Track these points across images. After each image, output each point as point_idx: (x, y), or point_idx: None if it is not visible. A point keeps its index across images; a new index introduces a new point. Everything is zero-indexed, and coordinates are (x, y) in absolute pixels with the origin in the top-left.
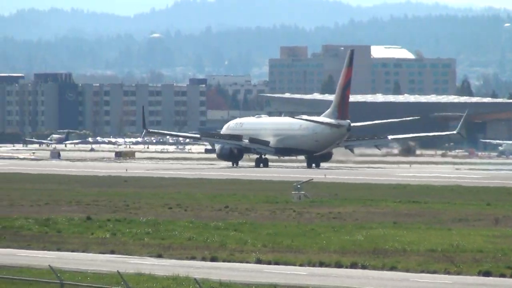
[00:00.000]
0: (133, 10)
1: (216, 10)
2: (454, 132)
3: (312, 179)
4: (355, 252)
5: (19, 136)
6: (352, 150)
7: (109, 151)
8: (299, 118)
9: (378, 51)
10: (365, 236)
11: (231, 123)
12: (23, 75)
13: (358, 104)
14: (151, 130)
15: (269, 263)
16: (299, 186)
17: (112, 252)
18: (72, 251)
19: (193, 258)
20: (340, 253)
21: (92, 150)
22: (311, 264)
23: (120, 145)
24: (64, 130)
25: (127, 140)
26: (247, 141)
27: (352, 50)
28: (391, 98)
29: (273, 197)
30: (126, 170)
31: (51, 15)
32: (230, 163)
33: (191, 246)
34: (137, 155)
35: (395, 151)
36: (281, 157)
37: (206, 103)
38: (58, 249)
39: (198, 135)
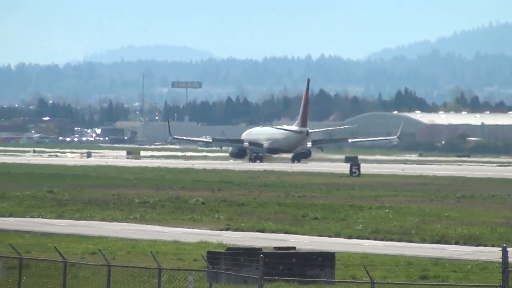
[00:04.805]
0: None
1: None
2: (395, 136)
3: None
4: None
5: None
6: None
7: None
8: (279, 128)
9: None
10: None
11: (247, 131)
12: None
13: None
14: (175, 137)
15: None
16: None
17: None
18: None
19: None
20: None
21: None
22: None
23: None
24: None
25: None
26: (247, 144)
27: (308, 79)
28: None
29: None
30: None
31: None
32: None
33: None
34: None
35: None
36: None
37: None
38: None
39: (210, 140)
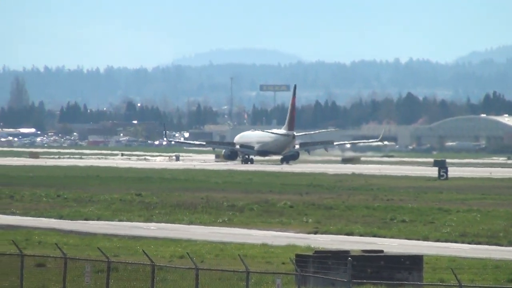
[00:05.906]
0: None
1: None
2: (378, 139)
3: None
4: None
5: None
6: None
7: None
8: (268, 132)
9: None
10: None
11: (239, 135)
12: None
13: None
14: (171, 140)
15: None
16: None
17: None
18: None
19: None
20: None
21: None
22: None
23: None
24: None
25: None
26: (238, 146)
27: (295, 85)
28: None
29: None
30: None
31: None
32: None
33: None
34: None
35: None
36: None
37: None
38: None
39: (204, 143)
